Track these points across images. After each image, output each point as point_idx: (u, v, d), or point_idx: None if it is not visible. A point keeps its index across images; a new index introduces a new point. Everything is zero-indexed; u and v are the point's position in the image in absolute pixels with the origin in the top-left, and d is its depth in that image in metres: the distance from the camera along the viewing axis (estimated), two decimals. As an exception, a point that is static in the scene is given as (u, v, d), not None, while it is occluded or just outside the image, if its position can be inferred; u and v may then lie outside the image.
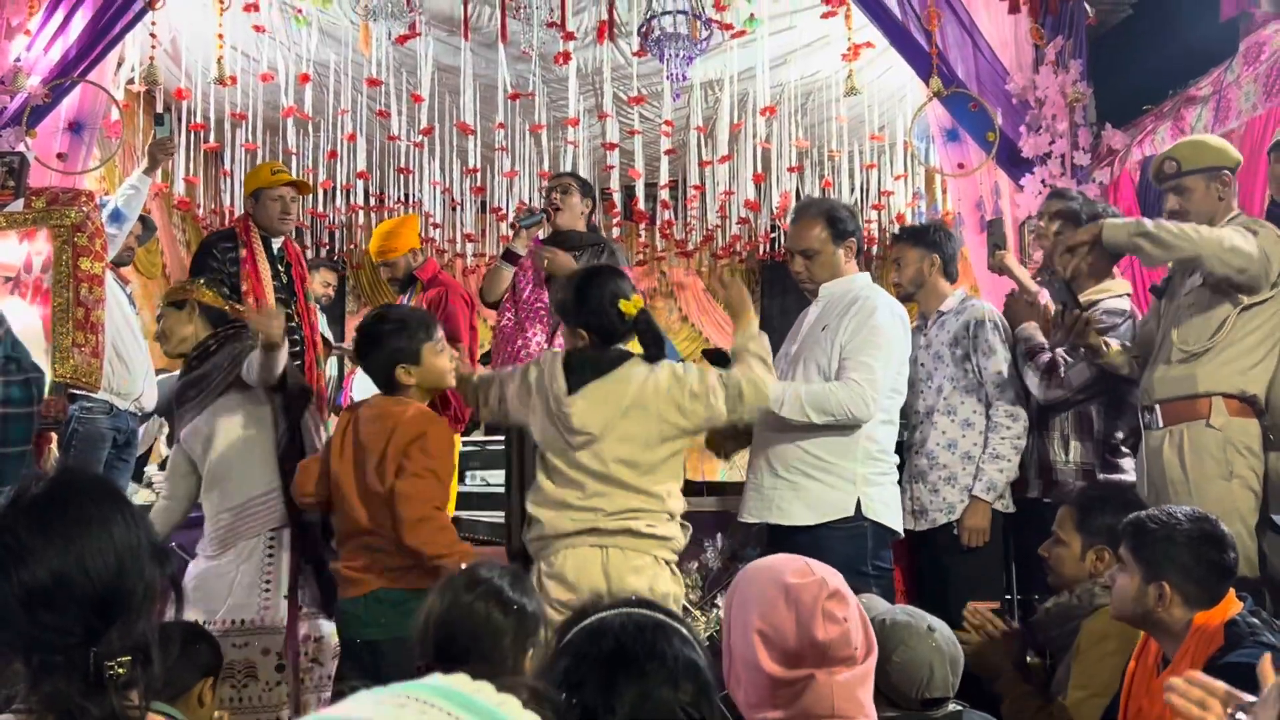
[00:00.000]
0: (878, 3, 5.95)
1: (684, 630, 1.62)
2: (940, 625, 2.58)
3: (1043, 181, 5.75)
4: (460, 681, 0.99)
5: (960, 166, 6.17)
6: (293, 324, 4.70)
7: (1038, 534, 4.02)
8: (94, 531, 1.59)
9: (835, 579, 2.11)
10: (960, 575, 4.15)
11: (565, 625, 1.67)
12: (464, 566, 2.50)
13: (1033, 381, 4.17)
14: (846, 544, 3.77)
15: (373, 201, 8.42)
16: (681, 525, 3.41)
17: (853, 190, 8.30)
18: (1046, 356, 4.18)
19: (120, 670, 1.55)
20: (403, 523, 3.31)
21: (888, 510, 3.92)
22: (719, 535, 4.64)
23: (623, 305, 3.32)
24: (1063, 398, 4.14)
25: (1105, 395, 4.19)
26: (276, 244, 5.01)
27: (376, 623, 3.35)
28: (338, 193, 8.03)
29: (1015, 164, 5.88)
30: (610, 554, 3.27)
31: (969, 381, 4.24)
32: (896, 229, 8.26)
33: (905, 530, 4.25)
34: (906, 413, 4.48)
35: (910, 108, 7.21)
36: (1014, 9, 5.91)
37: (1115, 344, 4.04)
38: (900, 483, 4.27)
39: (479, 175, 8.03)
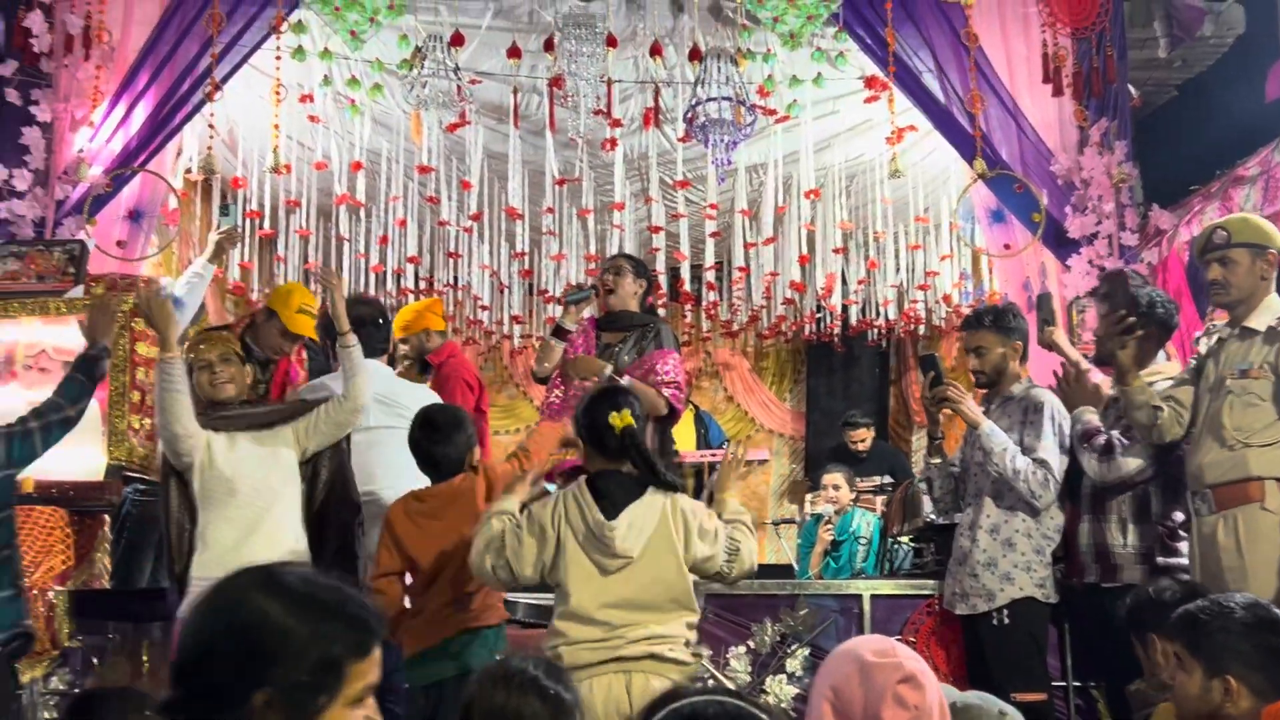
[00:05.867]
0: (921, 87, 6.02)
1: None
2: (1012, 712, 2.54)
3: (1089, 262, 5.74)
4: None
5: (1006, 247, 6.18)
6: None
7: (1096, 620, 3.97)
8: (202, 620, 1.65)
9: (915, 664, 2.09)
10: (1001, 666, 4.11)
11: (652, 707, 1.71)
12: (497, 658, 2.53)
13: (1090, 464, 4.13)
14: None
15: (422, 285, 8.52)
16: (695, 654, 3.41)
17: (898, 271, 8.31)
18: (1102, 439, 4.14)
19: None
20: None
21: None
22: (767, 620, 4.60)
23: (612, 419, 3.34)
24: (1119, 479, 4.09)
25: (1162, 477, 4.13)
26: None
27: None
28: (388, 277, 8.15)
29: (1062, 244, 5.88)
30: (634, 679, 3.24)
31: None
32: (943, 309, 8.27)
33: (956, 613, 4.25)
34: (959, 494, 4.47)
35: (955, 189, 7.23)
36: (1057, 91, 5.96)
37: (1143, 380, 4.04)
38: (947, 564, 4.28)
39: (526, 258, 8.13)
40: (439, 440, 3.83)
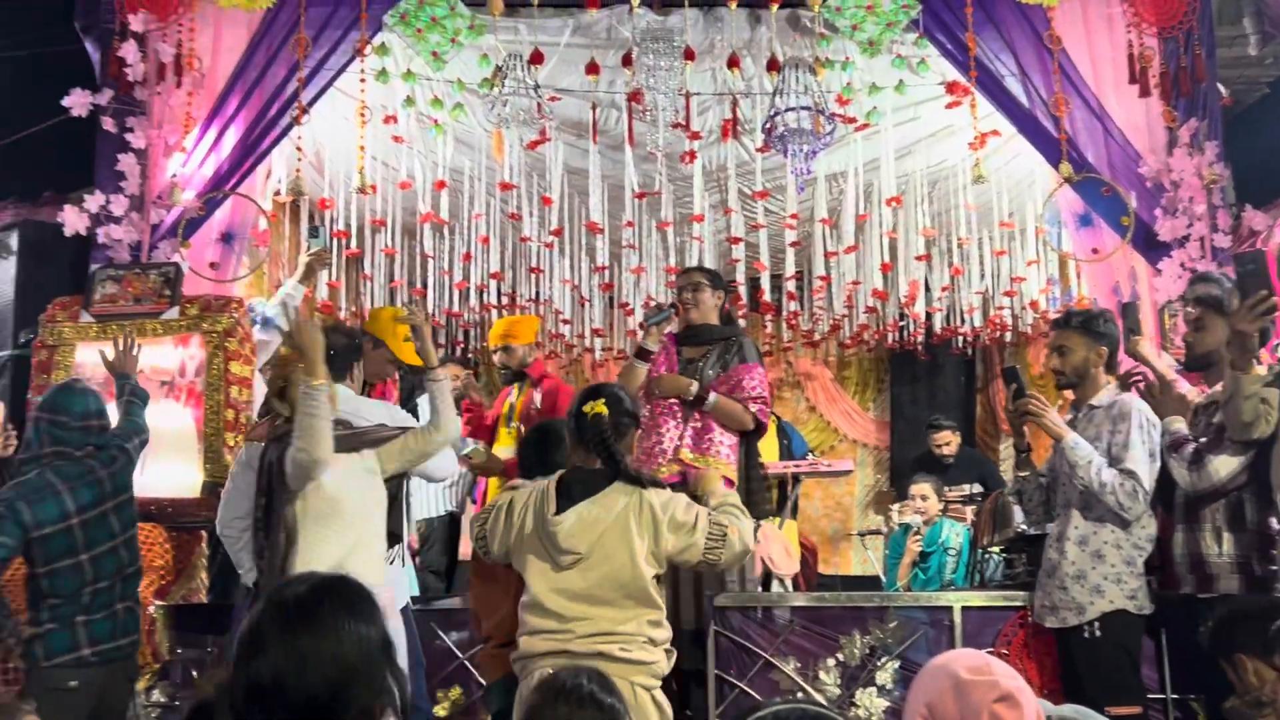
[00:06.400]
0: (1003, 91, 5.96)
1: None
2: (1108, 725, 2.50)
3: (1181, 265, 5.63)
4: None
5: (1095, 251, 6.07)
6: None
7: (1194, 632, 3.88)
8: (325, 643, 1.68)
9: (1012, 682, 2.06)
10: (1093, 679, 4.03)
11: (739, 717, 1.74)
12: (549, 671, 2.55)
13: (1180, 474, 4.05)
14: None
15: (504, 300, 8.61)
16: (666, 651, 3.40)
17: (982, 277, 8.20)
18: (1191, 447, 4.06)
19: None
20: None
21: None
22: (856, 632, 4.56)
23: (585, 407, 3.41)
24: (1211, 488, 4.00)
25: (1255, 484, 4.02)
26: None
27: None
28: (472, 292, 8.25)
29: (1152, 248, 5.78)
30: None
31: None
32: (1030, 315, 8.15)
33: (1047, 626, 4.19)
34: (1050, 504, 4.40)
35: (1040, 193, 7.12)
36: (1144, 92, 5.86)
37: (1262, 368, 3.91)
38: (1036, 576, 4.22)
39: (607, 272, 8.18)
40: (556, 446, 3.85)
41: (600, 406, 3.40)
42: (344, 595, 1.77)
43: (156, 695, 4.69)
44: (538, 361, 5.96)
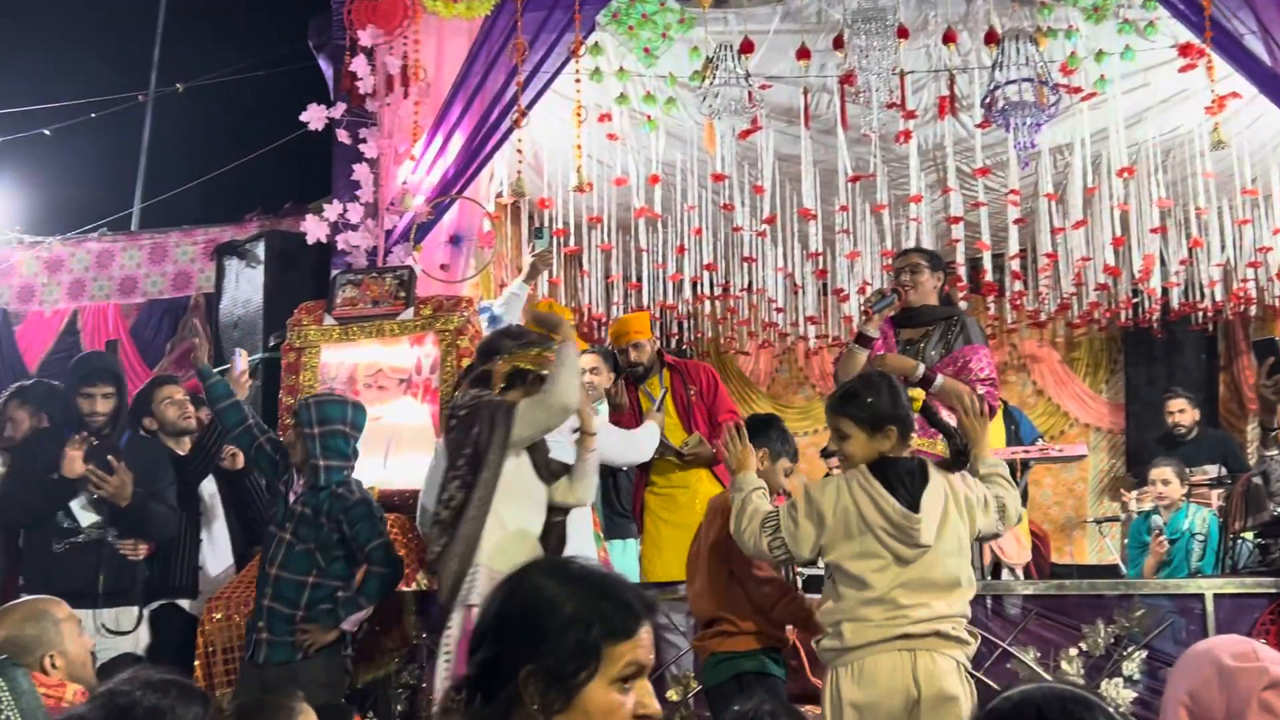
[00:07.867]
0: (1243, 51, 5.61)
1: (1112, 711, 1.61)
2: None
3: None
4: None
5: (1352, 215, 5.65)
6: None
7: None
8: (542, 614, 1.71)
9: None
10: None
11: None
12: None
13: None
14: None
15: (718, 291, 8.65)
16: (970, 632, 3.41)
17: (1224, 249, 7.75)
18: None
19: None
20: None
21: None
22: (1099, 621, 4.39)
23: (912, 394, 3.48)
24: None
25: None
26: None
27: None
28: (685, 284, 8.33)
29: None
30: (919, 657, 3.26)
31: None
32: (1278, 286, 7.65)
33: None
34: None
35: (1287, 157, 6.69)
36: (1406, 41, 5.41)
37: None
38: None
39: (821, 259, 8.11)
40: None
41: (921, 393, 3.55)
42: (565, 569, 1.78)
43: (405, 677, 4.92)
44: (663, 352, 5.98)
